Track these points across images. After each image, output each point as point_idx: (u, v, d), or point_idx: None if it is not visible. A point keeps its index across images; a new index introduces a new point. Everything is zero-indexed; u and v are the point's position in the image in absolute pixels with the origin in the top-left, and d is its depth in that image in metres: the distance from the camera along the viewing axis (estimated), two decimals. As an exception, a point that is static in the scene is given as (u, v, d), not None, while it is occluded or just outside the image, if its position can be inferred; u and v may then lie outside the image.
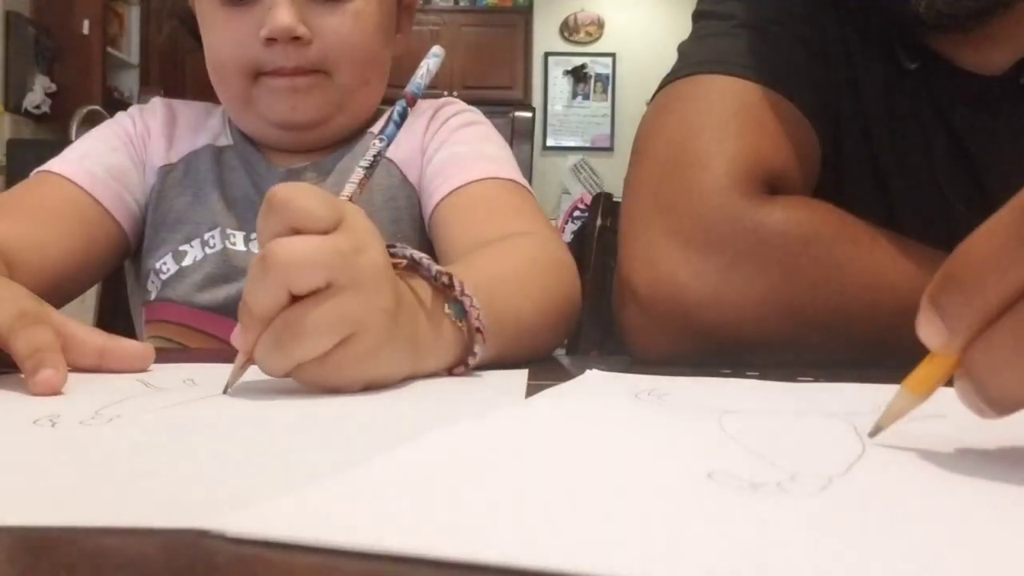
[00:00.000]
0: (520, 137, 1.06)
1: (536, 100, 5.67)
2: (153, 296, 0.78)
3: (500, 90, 5.28)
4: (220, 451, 0.29)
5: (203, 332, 0.76)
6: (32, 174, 0.77)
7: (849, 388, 0.44)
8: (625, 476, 0.25)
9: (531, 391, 0.42)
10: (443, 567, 0.18)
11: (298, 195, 0.40)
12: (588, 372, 0.48)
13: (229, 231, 0.78)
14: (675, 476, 0.25)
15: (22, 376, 0.42)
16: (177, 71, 4.42)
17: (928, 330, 0.27)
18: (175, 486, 0.25)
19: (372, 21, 0.76)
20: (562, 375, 0.49)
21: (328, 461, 0.28)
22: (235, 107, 0.79)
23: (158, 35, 4.62)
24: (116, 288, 0.93)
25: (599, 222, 1.15)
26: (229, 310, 0.74)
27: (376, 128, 0.82)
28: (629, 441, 0.31)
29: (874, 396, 0.34)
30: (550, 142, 5.71)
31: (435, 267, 0.47)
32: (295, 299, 0.39)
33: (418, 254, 0.47)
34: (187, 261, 0.77)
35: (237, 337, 0.42)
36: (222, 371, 0.43)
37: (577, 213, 3.09)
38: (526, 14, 5.65)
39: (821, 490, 0.23)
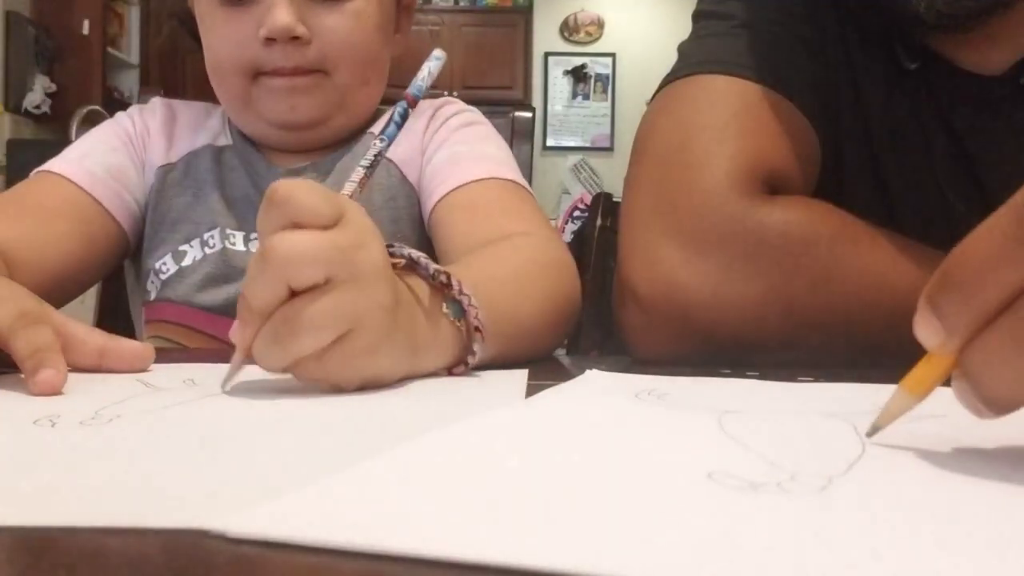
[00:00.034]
0: (520, 137, 1.06)
1: (536, 100, 5.66)
2: (153, 296, 0.78)
3: (500, 90, 5.28)
4: (220, 451, 0.29)
5: (203, 332, 0.76)
6: (32, 174, 0.77)
7: (849, 388, 0.44)
8: (625, 476, 0.25)
9: (531, 391, 0.42)
10: (443, 567, 0.18)
11: (299, 190, 0.40)
12: (588, 372, 0.48)
13: (229, 231, 0.78)
14: (675, 476, 0.25)
15: (22, 376, 0.42)
16: (177, 71, 4.43)
17: (925, 330, 0.27)
18: (175, 486, 0.25)
19: (371, 21, 0.76)
20: (562, 375, 0.49)
21: (328, 461, 0.28)
22: (234, 107, 0.79)
23: (158, 35, 4.63)
24: (116, 288, 0.93)
25: (599, 222, 1.15)
26: (229, 310, 0.73)
27: (376, 128, 0.82)
28: (629, 441, 0.31)
29: (874, 396, 0.34)
30: (550, 142, 5.71)
31: (433, 266, 0.47)
32: (294, 294, 0.39)
33: (416, 253, 0.47)
34: (187, 261, 0.77)
35: (236, 332, 0.42)
36: (222, 371, 0.43)
37: (577, 213, 3.10)
38: (526, 14, 5.65)
39: (821, 490, 0.23)
